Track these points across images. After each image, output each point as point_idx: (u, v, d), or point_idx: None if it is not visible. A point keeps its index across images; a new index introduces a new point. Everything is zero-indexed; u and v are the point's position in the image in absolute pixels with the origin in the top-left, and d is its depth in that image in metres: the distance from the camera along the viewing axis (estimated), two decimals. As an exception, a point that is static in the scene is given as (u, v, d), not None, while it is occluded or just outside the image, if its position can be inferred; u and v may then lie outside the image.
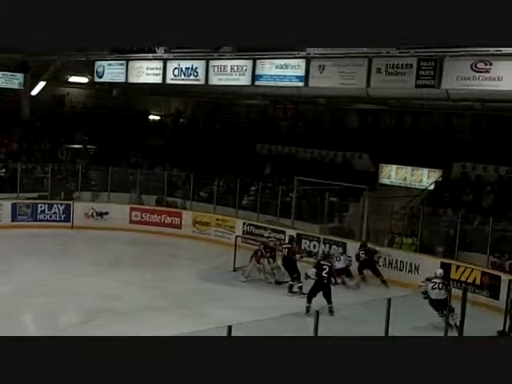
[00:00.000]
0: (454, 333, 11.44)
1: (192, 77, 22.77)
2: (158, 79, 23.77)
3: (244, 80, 21.16)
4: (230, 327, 7.51)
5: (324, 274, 14.10)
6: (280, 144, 25.49)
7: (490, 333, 12.08)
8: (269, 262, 16.99)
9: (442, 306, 12.86)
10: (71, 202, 22.93)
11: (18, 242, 19.88)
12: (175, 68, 23.23)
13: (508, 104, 17.69)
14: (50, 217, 22.56)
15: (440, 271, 14.27)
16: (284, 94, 22.22)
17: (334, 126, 26.23)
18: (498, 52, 14.91)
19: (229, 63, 21.36)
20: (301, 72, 19.65)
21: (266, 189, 22.30)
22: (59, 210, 22.67)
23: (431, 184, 20.73)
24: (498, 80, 15.84)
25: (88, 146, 27.00)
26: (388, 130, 24.27)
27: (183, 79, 23.06)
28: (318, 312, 8.75)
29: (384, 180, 22.19)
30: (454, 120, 22.83)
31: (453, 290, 13.42)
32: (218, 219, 22.14)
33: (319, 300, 13.94)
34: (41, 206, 22.55)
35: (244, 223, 21.23)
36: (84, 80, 28.18)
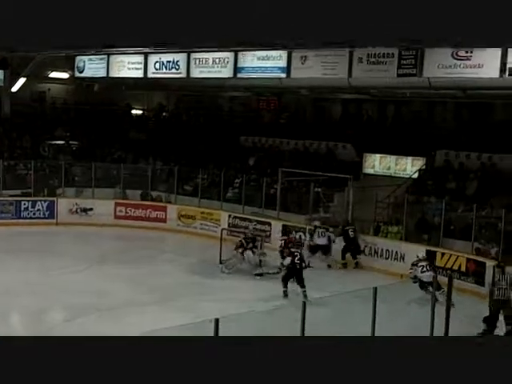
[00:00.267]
0: (442, 309, 11.44)
1: (173, 70, 22.73)
2: (140, 73, 23.72)
3: (226, 72, 21.14)
4: (217, 320, 7.52)
5: (296, 261, 14.73)
6: (264, 136, 25.43)
7: (477, 320, 12.21)
8: (253, 252, 17.00)
9: (432, 286, 13.11)
10: (55, 199, 22.71)
11: (2, 241, 19.70)
12: (156, 61, 23.17)
13: (489, 91, 17.82)
14: (34, 214, 22.38)
15: (422, 253, 14.51)
16: (266, 86, 22.24)
17: (317, 116, 26.24)
18: (479, 40, 14.98)
19: (210, 56, 21.32)
20: (283, 63, 19.69)
21: (251, 181, 22.25)
22: (43, 207, 22.47)
23: (415, 172, 20.82)
24: (479, 67, 15.97)
25: (70, 142, 26.79)
26: (371, 120, 24.32)
27: (165, 72, 23.02)
28: (304, 303, 8.80)
29: (368, 170, 22.30)
30: (437, 108, 22.92)
31: (438, 276, 13.53)
32: (202, 212, 22.11)
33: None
34: (24, 204, 22.34)
35: (229, 216, 21.21)
36: (65, 75, 27.98)
